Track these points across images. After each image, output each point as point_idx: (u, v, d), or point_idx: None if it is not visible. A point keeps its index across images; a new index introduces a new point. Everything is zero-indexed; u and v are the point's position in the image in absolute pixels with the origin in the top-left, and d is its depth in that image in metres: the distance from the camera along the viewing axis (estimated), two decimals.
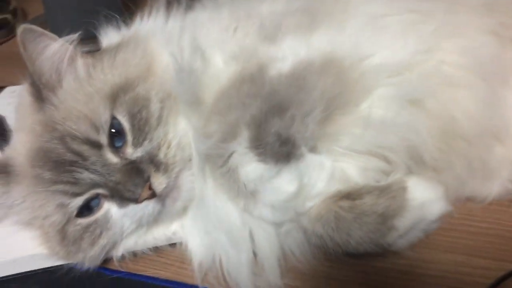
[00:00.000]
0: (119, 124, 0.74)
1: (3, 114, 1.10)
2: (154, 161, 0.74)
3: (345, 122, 0.73)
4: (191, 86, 0.74)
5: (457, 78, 0.75)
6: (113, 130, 0.74)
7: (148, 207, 0.74)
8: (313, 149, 0.73)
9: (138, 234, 0.79)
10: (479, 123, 0.75)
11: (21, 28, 0.74)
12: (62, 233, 0.76)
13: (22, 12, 1.64)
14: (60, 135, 0.73)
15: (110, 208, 0.76)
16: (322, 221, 0.72)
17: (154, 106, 0.76)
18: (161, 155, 0.75)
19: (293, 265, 0.78)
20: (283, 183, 0.71)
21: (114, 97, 0.75)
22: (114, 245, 0.78)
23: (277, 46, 0.76)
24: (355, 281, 0.77)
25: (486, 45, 0.76)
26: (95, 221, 0.76)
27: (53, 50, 0.77)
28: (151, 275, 0.83)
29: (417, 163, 0.75)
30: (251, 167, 0.71)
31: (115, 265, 0.82)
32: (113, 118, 0.74)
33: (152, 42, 0.82)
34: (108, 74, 0.77)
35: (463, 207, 0.81)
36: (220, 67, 0.76)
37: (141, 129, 0.75)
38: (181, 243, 0.83)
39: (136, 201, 0.73)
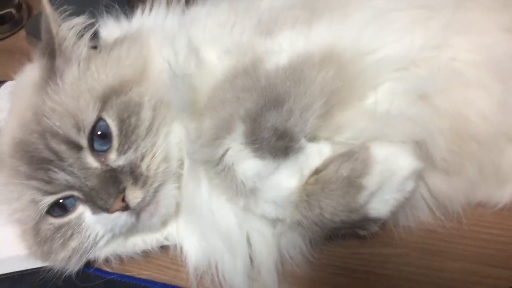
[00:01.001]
0: (107, 127, 0.72)
1: (3, 108, 1.10)
2: (134, 173, 0.72)
3: (348, 116, 0.71)
4: (185, 92, 0.71)
5: (469, 76, 0.72)
6: (99, 133, 0.72)
7: (120, 218, 0.72)
8: (312, 138, 0.70)
9: (118, 242, 0.77)
10: (492, 124, 0.72)
11: None
12: (35, 230, 0.74)
13: (27, 6, 1.63)
14: (42, 130, 0.71)
15: (84, 212, 0.74)
16: (297, 206, 0.69)
17: (145, 114, 0.73)
18: (143, 167, 0.72)
19: (290, 270, 0.76)
20: (283, 178, 0.68)
21: (106, 98, 0.72)
22: (87, 249, 0.75)
23: (273, 39, 0.73)
24: None
25: (501, 42, 0.73)
26: (68, 223, 0.74)
27: (76, 22, 0.77)
28: (145, 278, 0.81)
29: (426, 162, 0.71)
30: (247, 164, 0.68)
31: (110, 267, 0.81)
32: (100, 120, 0.72)
33: (150, 41, 0.80)
34: (101, 73, 0.75)
35: (473, 213, 0.79)
36: (214, 63, 0.74)
37: (128, 137, 0.72)
38: (175, 247, 0.80)
39: (107, 211, 0.70)
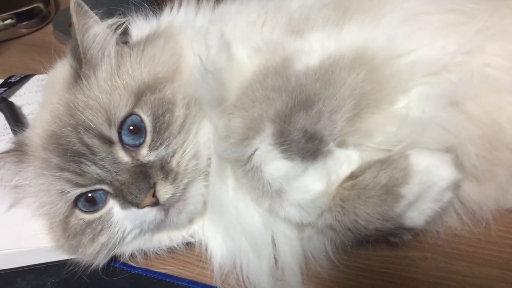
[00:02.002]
0: (140, 122, 0.73)
1: (30, 102, 1.11)
2: (164, 168, 0.72)
3: (378, 120, 0.70)
4: (215, 87, 0.71)
5: (503, 83, 0.71)
6: (131, 127, 0.72)
7: (149, 214, 0.72)
8: (340, 144, 0.69)
9: (144, 238, 0.78)
10: None
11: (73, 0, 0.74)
12: (64, 224, 0.75)
13: (54, 1, 1.65)
14: (75, 123, 0.71)
15: (113, 206, 0.75)
16: (331, 209, 0.68)
17: (179, 112, 0.74)
18: (173, 163, 0.73)
19: (315, 271, 0.76)
20: (310, 181, 0.67)
21: (140, 94, 0.73)
22: (115, 244, 0.76)
23: (304, 39, 0.73)
24: None
25: None
26: (99, 218, 0.75)
27: (99, 30, 0.76)
28: (170, 273, 0.81)
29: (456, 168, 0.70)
30: (275, 165, 0.67)
31: (134, 262, 0.81)
32: (132, 114, 0.72)
33: (181, 38, 0.81)
34: (136, 70, 0.76)
35: (501, 218, 0.77)
36: (244, 61, 0.74)
37: (161, 133, 0.73)
38: (200, 244, 0.81)
39: (138, 206, 0.71)
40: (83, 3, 0.75)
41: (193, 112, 0.75)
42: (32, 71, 1.20)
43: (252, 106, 0.69)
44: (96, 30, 0.76)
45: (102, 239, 0.75)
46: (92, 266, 0.77)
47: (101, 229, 0.75)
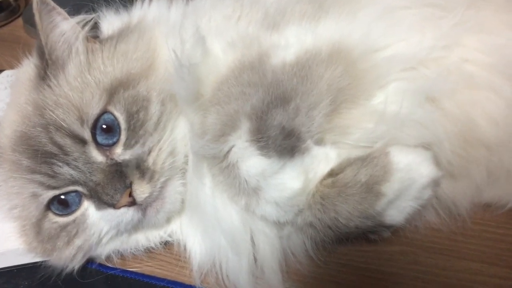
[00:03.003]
0: (114, 120, 0.70)
1: (2, 98, 1.07)
2: (141, 167, 0.70)
3: (355, 116, 0.70)
4: (190, 82, 0.70)
5: (479, 78, 0.71)
6: (103, 126, 0.70)
7: (126, 214, 0.71)
8: (318, 141, 0.69)
9: (121, 239, 0.77)
10: (503, 130, 0.70)
11: None
12: (37, 227, 0.73)
13: None
14: (45, 123, 0.69)
15: (88, 208, 0.73)
16: (310, 207, 0.68)
17: (154, 109, 0.72)
18: (150, 161, 0.71)
19: (295, 268, 0.75)
20: (288, 178, 0.66)
21: (113, 91, 0.71)
22: (91, 246, 0.74)
23: (280, 34, 0.72)
24: (359, 286, 0.74)
25: None
26: (73, 221, 0.73)
27: (66, 27, 0.74)
28: (148, 273, 0.80)
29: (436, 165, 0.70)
30: (252, 162, 0.66)
31: (111, 262, 0.80)
32: (105, 113, 0.70)
33: (156, 33, 0.79)
34: (108, 66, 0.73)
35: (478, 212, 0.78)
36: (219, 56, 0.72)
37: (136, 131, 0.71)
38: (179, 244, 0.79)
39: (114, 206, 0.69)
40: (48, 0, 0.72)
41: (168, 109, 0.73)
42: (0, 66, 1.17)
43: (228, 102, 0.67)
44: (63, 28, 0.74)
45: (78, 242, 0.73)
46: (67, 269, 0.76)
47: (77, 232, 0.73)
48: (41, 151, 0.69)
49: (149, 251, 0.81)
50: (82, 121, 0.69)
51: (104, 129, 0.70)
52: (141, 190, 0.70)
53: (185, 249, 0.78)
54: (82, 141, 0.69)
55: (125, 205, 0.70)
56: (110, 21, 0.83)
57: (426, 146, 0.69)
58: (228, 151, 0.67)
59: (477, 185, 0.73)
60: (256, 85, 0.67)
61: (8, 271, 0.81)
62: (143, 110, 0.71)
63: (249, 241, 0.73)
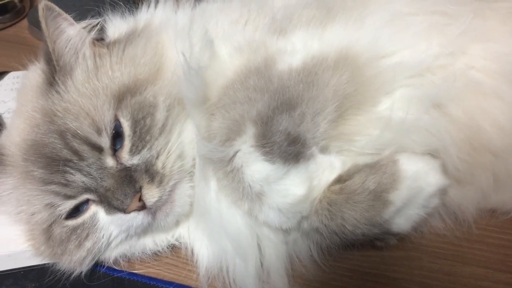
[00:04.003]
0: (120, 127, 0.71)
1: (6, 99, 1.08)
2: (149, 171, 0.71)
3: (361, 122, 0.70)
4: (198, 86, 0.70)
5: (486, 85, 0.71)
6: (113, 132, 0.71)
7: (136, 218, 0.71)
8: (323, 149, 0.69)
9: (130, 243, 0.77)
10: (509, 135, 0.70)
11: (42, 4, 0.71)
12: (48, 233, 0.73)
13: None
14: (59, 130, 0.69)
15: (97, 212, 0.73)
16: (317, 213, 0.68)
17: (160, 115, 0.72)
18: (159, 165, 0.71)
19: (300, 272, 0.76)
20: (292, 185, 0.66)
21: (121, 97, 0.71)
22: (100, 250, 0.75)
23: (286, 39, 0.72)
24: None
25: None
26: (82, 223, 0.73)
27: (73, 33, 0.74)
28: (154, 276, 0.80)
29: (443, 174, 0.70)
30: (257, 167, 0.66)
31: (117, 265, 0.80)
32: (116, 119, 0.71)
33: (163, 37, 0.79)
34: (116, 71, 0.73)
35: (484, 218, 0.78)
36: (226, 60, 0.72)
37: (142, 137, 0.71)
38: (186, 247, 0.80)
39: (124, 211, 0.70)
40: (54, 6, 0.72)
41: (175, 112, 0.74)
42: (6, 67, 1.17)
43: (233, 107, 0.67)
44: (70, 34, 0.74)
45: (88, 244, 0.73)
46: (75, 273, 0.76)
47: (87, 235, 0.73)
48: (54, 158, 0.69)
49: (156, 255, 0.81)
50: (98, 129, 0.69)
51: (114, 135, 0.71)
52: (150, 194, 0.70)
53: (192, 253, 0.78)
54: (99, 149, 0.70)
55: (135, 210, 0.70)
56: (116, 25, 0.84)
57: (432, 153, 0.69)
58: (233, 156, 0.67)
59: (482, 190, 0.73)
60: (262, 90, 0.67)
61: (15, 273, 0.81)
62: (149, 116, 0.71)
63: (255, 246, 0.73)
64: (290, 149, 0.65)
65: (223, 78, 0.71)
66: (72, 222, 0.73)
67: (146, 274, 0.81)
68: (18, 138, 0.74)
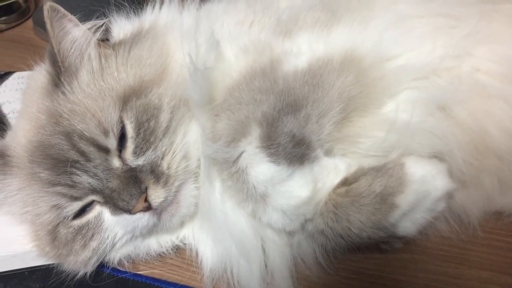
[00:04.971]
0: (124, 128, 0.71)
1: (11, 100, 1.09)
2: (155, 172, 0.71)
3: (366, 124, 0.69)
4: (203, 86, 0.70)
5: (491, 87, 0.71)
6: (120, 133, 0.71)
7: (142, 219, 0.71)
8: (328, 152, 0.69)
9: (135, 244, 0.77)
10: None
11: (47, 5, 0.71)
12: (54, 234, 0.74)
13: None
14: (65, 131, 0.69)
15: (102, 212, 0.73)
16: (323, 215, 0.68)
17: (164, 117, 0.72)
18: (164, 166, 0.71)
19: (305, 274, 0.76)
20: (296, 186, 0.66)
21: (126, 99, 0.71)
22: (105, 250, 0.75)
23: (292, 41, 0.72)
24: None
25: None
26: (87, 223, 0.73)
27: (78, 34, 0.74)
28: (159, 277, 0.80)
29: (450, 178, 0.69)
30: (261, 168, 0.66)
31: (121, 266, 0.80)
32: (121, 121, 0.71)
33: (169, 38, 0.79)
34: (121, 72, 0.74)
35: (489, 221, 0.78)
36: (231, 61, 0.73)
37: (146, 139, 0.71)
38: (191, 249, 0.80)
39: (130, 212, 0.70)
40: (59, 7, 0.72)
41: (180, 113, 0.74)
42: (11, 68, 1.16)
43: (239, 108, 0.68)
44: (75, 35, 0.74)
45: (93, 244, 0.73)
46: (79, 274, 0.76)
47: (92, 235, 0.73)
48: (60, 160, 0.69)
49: (160, 256, 0.81)
50: (105, 130, 0.69)
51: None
52: (156, 195, 0.70)
53: (197, 254, 0.78)
54: (106, 150, 0.70)
55: (141, 210, 0.70)
56: (121, 26, 0.84)
57: (437, 155, 0.69)
58: (238, 157, 0.67)
59: (488, 194, 0.73)
60: (267, 92, 0.67)
61: (20, 273, 0.81)
62: (153, 118, 0.71)
63: (259, 247, 0.73)
64: (295, 151, 0.65)
65: (229, 79, 0.71)
66: (77, 222, 0.73)
67: (150, 275, 0.80)
68: (24, 139, 0.74)
